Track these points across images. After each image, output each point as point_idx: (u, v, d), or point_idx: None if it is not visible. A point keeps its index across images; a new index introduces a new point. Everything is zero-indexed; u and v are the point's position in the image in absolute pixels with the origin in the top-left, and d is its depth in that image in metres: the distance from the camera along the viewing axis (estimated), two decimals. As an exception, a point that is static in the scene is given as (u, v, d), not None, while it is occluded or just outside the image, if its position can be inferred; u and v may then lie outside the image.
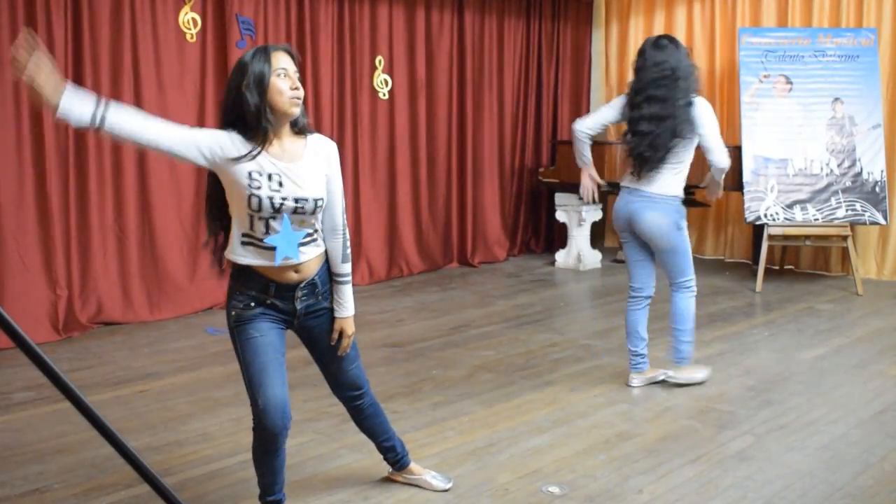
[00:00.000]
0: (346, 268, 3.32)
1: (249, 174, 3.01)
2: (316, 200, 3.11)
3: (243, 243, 3.11)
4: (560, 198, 9.55)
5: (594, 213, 9.54)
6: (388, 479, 3.88)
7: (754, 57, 8.52)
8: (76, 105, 2.79)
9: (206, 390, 5.12)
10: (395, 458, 3.80)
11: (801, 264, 9.32)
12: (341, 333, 3.42)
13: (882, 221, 8.14)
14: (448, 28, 9.23)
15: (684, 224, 5.05)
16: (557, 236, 10.27)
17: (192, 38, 7.08)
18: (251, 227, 3.07)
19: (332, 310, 3.37)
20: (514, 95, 10.08)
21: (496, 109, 9.84)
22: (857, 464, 4.07)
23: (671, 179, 4.99)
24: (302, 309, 3.26)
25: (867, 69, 8.36)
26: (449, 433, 4.44)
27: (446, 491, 3.76)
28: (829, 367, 5.70)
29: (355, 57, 8.33)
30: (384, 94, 8.62)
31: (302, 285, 3.22)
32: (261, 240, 3.08)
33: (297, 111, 3.07)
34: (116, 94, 6.65)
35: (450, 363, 5.74)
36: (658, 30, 10.42)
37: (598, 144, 9.19)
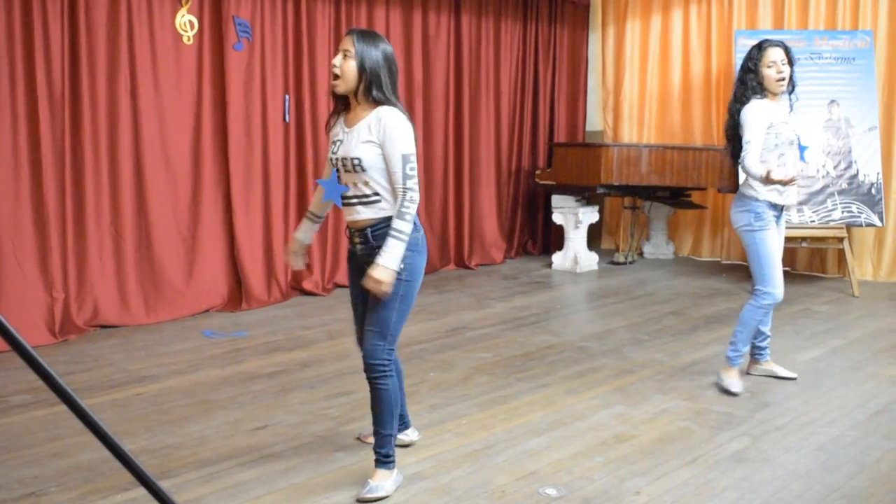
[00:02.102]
0: (398, 224, 3.57)
1: (333, 138, 3.77)
2: (353, 160, 3.60)
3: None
4: (557, 200, 9.55)
5: (591, 215, 9.54)
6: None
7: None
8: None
9: (202, 393, 5.12)
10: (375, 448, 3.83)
11: (798, 266, 9.33)
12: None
13: (878, 223, 8.15)
14: (445, 30, 9.24)
15: (758, 224, 5.01)
16: (554, 238, 10.28)
17: (188, 40, 7.08)
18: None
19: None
20: (511, 98, 10.09)
21: (493, 111, 9.85)
22: (853, 465, 4.08)
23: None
24: (360, 256, 3.76)
25: (863, 71, 8.38)
26: (446, 435, 4.45)
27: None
28: (826, 368, 5.71)
29: (352, 59, 8.31)
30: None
31: (356, 230, 3.74)
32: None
33: (335, 88, 3.65)
34: (113, 97, 6.66)
35: (447, 365, 5.75)
36: (655, 32, 10.45)
37: (596, 147, 9.21)
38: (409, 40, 8.88)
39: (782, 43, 4.93)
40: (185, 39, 7.07)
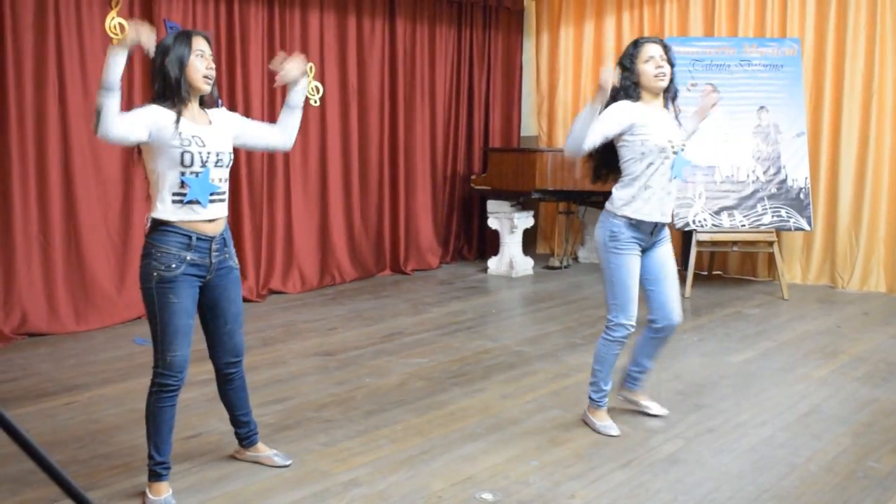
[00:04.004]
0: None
1: (180, 135, 3.52)
2: (230, 154, 3.73)
3: (174, 202, 3.56)
4: (492, 205, 9.59)
5: (526, 220, 9.59)
6: (234, 458, 4.18)
7: (682, 66, 8.63)
8: (116, 70, 3.33)
9: (134, 401, 5.02)
10: (248, 433, 4.12)
11: (729, 270, 9.48)
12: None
13: (806, 227, 8.31)
14: (380, 35, 9.22)
15: (612, 245, 4.45)
16: (490, 243, 10.31)
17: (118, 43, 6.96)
18: (182, 185, 3.54)
19: (236, 270, 3.84)
20: (446, 103, 10.10)
21: (428, 117, 9.85)
22: (784, 465, 4.14)
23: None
24: (216, 263, 3.69)
25: (791, 78, 8.54)
26: (382, 441, 4.42)
27: (286, 466, 4.07)
28: (757, 370, 5.80)
29: (286, 64, 8.26)
30: (315, 101, 8.58)
31: (216, 238, 3.68)
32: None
33: (208, 88, 3.66)
34: (41, 102, 6.53)
35: (382, 371, 5.72)
36: (588, 39, 10.55)
37: (531, 152, 9.25)
38: (343, 45, 8.85)
39: (661, 40, 4.50)
40: (114, 43, 6.94)
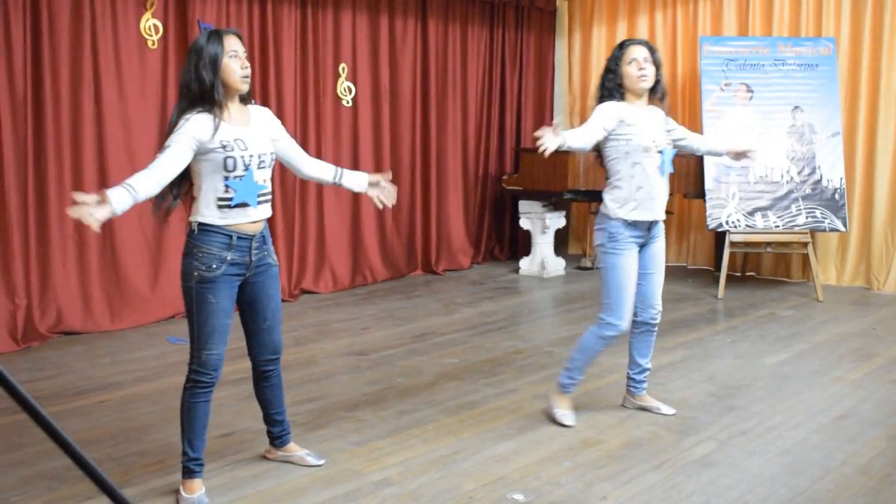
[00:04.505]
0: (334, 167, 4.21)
1: (221, 142, 3.54)
2: (271, 154, 3.77)
3: (220, 206, 3.60)
4: (524, 205, 9.57)
5: (558, 221, 9.57)
6: (265, 458, 4.19)
7: (715, 66, 8.60)
8: (121, 205, 3.32)
9: (167, 400, 5.06)
10: (281, 432, 4.14)
11: (763, 271, 9.40)
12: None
13: (841, 228, 8.23)
14: (412, 36, 9.23)
15: (610, 245, 4.56)
16: (521, 244, 10.30)
17: (153, 44, 7.02)
18: (226, 189, 3.58)
19: (275, 267, 3.87)
20: (478, 103, 10.09)
21: (460, 117, 9.85)
22: (818, 468, 4.11)
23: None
24: (255, 260, 3.73)
25: (826, 78, 8.46)
26: (413, 441, 4.43)
27: (319, 466, 4.09)
28: (791, 372, 5.75)
29: (318, 64, 8.30)
30: (348, 102, 8.60)
31: (256, 237, 3.71)
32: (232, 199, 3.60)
33: (246, 87, 3.68)
34: (76, 103, 6.59)
35: (414, 371, 5.73)
36: (621, 38, 10.44)
37: (563, 152, 9.22)
38: (375, 46, 8.86)
39: (646, 42, 4.61)
40: (149, 44, 7.01)
